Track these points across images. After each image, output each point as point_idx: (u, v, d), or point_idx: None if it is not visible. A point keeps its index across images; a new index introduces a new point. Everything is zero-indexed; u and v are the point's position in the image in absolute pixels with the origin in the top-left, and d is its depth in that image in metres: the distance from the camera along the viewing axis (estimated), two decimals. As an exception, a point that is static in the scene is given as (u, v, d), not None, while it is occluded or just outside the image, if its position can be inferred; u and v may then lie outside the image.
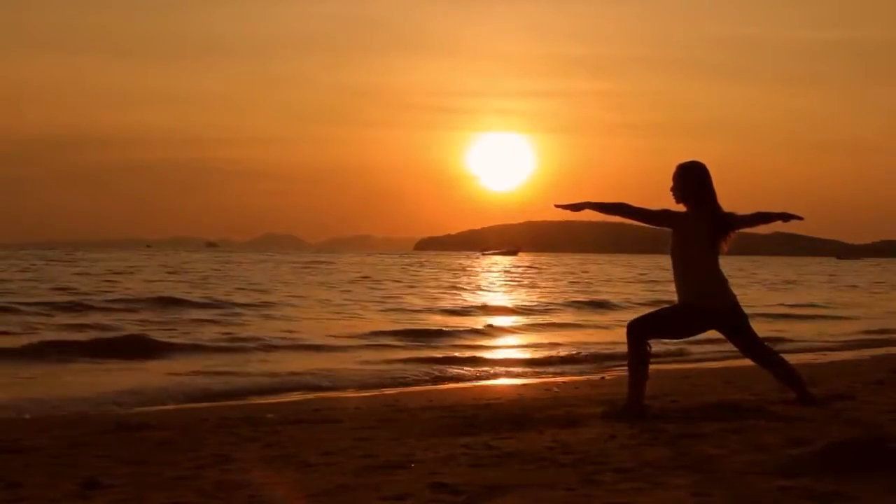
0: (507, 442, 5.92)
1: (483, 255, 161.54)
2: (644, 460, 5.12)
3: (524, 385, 11.57)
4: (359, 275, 54.33)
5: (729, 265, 7.01)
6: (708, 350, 14.74)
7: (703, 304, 6.74)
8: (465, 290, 39.34)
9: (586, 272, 67.64)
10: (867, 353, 15.79)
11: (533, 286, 43.49)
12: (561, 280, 52.18)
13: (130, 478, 5.28)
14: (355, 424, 7.25)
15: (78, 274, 45.36)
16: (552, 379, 12.40)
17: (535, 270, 69.12)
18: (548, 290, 39.92)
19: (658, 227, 6.89)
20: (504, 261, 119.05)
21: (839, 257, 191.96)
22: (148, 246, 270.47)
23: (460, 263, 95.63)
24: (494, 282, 49.26)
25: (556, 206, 6.89)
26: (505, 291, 38.89)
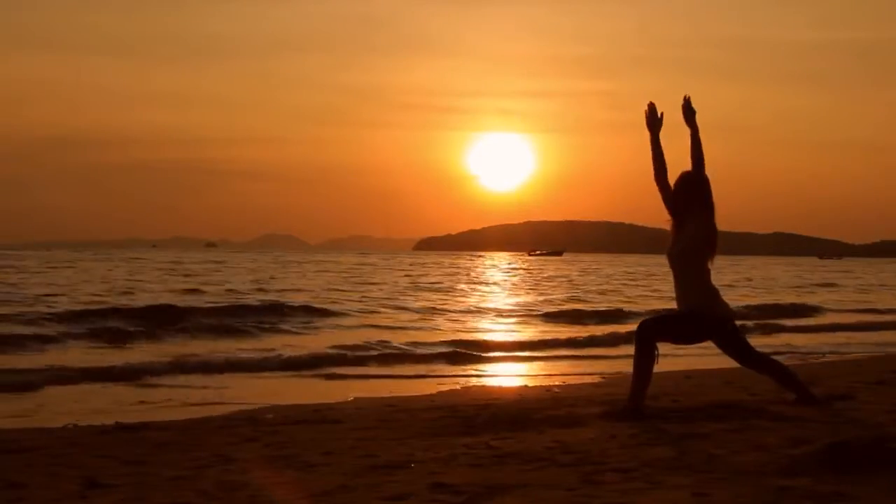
0: (507, 442, 5.92)
1: (530, 255, 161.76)
2: (644, 460, 5.12)
3: (524, 385, 11.57)
4: (472, 276, 54.78)
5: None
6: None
7: (710, 312, 6.76)
8: (621, 293, 39.10)
9: (642, 272, 66.51)
10: (867, 353, 15.79)
11: (649, 286, 43.88)
12: (659, 280, 51.49)
13: (130, 478, 5.28)
14: (355, 424, 7.25)
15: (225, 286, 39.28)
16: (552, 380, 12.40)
17: (605, 272, 67.41)
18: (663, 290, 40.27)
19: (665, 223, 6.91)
20: (556, 261, 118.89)
21: (821, 257, 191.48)
22: (154, 246, 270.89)
23: (521, 264, 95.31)
24: (617, 282, 48.70)
25: (689, 101, 6.83)
26: (641, 292, 39.12)
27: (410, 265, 77.84)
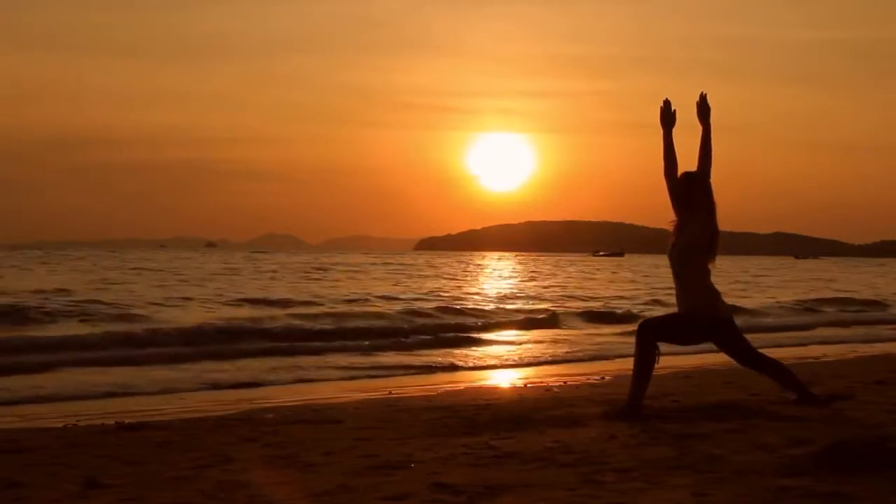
0: (507, 442, 5.92)
1: (594, 255, 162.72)
2: (644, 460, 5.12)
3: (524, 385, 11.56)
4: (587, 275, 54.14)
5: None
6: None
7: (710, 312, 6.76)
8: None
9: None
10: (867, 353, 15.78)
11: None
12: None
13: (130, 478, 5.29)
14: (355, 424, 7.25)
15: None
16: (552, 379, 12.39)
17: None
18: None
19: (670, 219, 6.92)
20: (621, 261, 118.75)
21: (797, 257, 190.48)
22: (162, 246, 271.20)
23: (604, 264, 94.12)
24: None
25: (705, 98, 6.91)
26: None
27: (493, 264, 75.89)
